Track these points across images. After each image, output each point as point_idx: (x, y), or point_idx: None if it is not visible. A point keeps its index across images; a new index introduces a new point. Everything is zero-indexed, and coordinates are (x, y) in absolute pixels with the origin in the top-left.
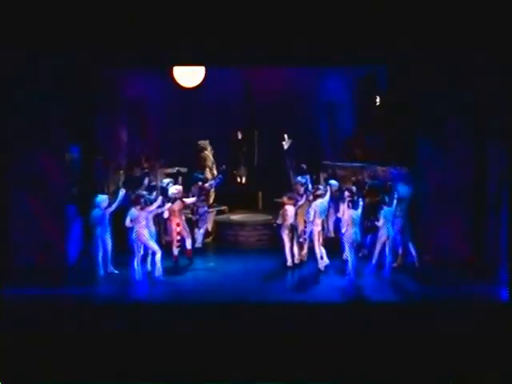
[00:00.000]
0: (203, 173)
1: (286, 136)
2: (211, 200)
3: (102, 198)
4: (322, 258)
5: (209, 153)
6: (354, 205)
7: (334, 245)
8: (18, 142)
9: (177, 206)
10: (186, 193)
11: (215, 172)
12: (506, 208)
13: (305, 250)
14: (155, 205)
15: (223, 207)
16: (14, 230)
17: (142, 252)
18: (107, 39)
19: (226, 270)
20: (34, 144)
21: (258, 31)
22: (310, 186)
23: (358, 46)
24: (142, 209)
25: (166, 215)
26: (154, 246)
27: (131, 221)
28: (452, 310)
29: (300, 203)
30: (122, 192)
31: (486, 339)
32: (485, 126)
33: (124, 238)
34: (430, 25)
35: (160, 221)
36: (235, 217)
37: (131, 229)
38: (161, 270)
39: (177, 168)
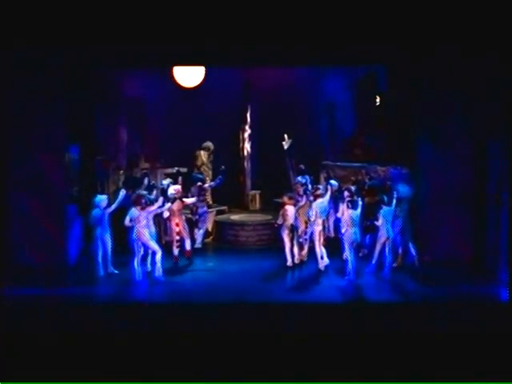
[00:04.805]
0: (203, 173)
1: (285, 136)
2: (210, 201)
3: (102, 198)
4: (322, 257)
5: (204, 153)
6: (353, 205)
7: (334, 245)
8: (18, 142)
9: (176, 205)
10: (186, 193)
11: (208, 173)
12: (506, 208)
13: (305, 250)
14: (156, 205)
15: (223, 207)
16: (13, 230)
17: (142, 252)
18: (107, 39)
19: (226, 270)
20: (34, 144)
21: (257, 31)
22: (309, 187)
23: (358, 46)
24: (142, 209)
25: (165, 215)
26: (154, 245)
27: (131, 220)
28: (452, 310)
29: (301, 204)
30: (123, 192)
31: (486, 339)
32: (485, 126)
33: (124, 237)
34: (429, 25)
35: (160, 221)
36: (235, 217)
37: (131, 229)
38: (161, 270)
39: (177, 168)
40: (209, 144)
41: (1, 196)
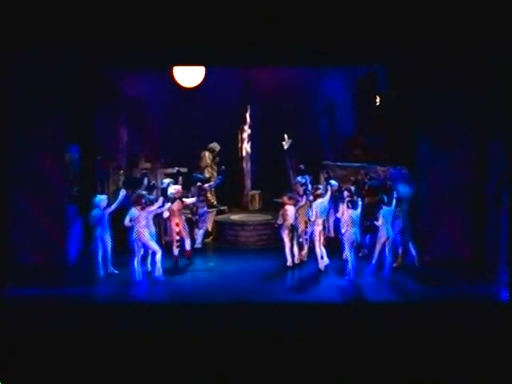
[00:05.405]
0: (203, 173)
1: (285, 136)
2: (214, 201)
3: (101, 198)
4: (322, 257)
5: (208, 154)
6: (353, 205)
7: (334, 245)
8: (18, 142)
9: (176, 205)
10: (186, 193)
11: (212, 174)
12: (505, 208)
13: (305, 250)
14: (156, 205)
15: (223, 207)
16: (13, 230)
17: (142, 252)
18: (107, 39)
19: (226, 270)
20: (33, 144)
21: (258, 31)
22: (309, 187)
23: (358, 46)
24: (142, 209)
25: (165, 215)
26: (154, 245)
27: (131, 220)
28: (452, 309)
29: (301, 204)
30: (123, 192)
31: (486, 339)
32: (485, 126)
33: (124, 237)
34: (429, 24)
35: (160, 221)
36: (235, 217)
37: (131, 229)
38: (161, 269)
39: (177, 168)
40: (214, 145)
41: (1, 196)
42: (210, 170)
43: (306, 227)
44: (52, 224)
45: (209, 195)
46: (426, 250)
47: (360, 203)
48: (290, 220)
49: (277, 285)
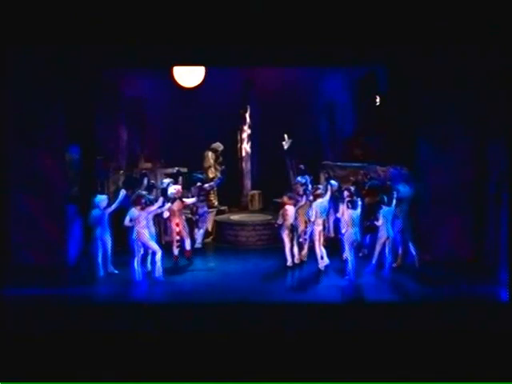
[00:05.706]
0: (203, 173)
1: (286, 136)
2: (216, 202)
3: (101, 198)
4: (322, 257)
5: (212, 154)
6: (353, 205)
7: (334, 245)
8: (18, 142)
9: (176, 205)
10: (186, 193)
11: (215, 174)
12: (506, 208)
13: (305, 250)
14: (156, 205)
15: (223, 207)
16: (14, 230)
17: (142, 252)
18: (107, 39)
19: (226, 270)
20: (34, 144)
21: (258, 31)
22: (309, 187)
23: (358, 46)
24: (142, 209)
25: (165, 215)
26: (154, 245)
27: (131, 220)
28: (452, 309)
29: (300, 204)
30: (123, 193)
31: (485, 339)
32: (485, 125)
33: (124, 237)
34: (429, 24)
35: (160, 221)
36: (235, 217)
37: (131, 229)
38: (161, 269)
39: (177, 168)
40: (217, 145)
41: (1, 196)
42: (213, 170)
43: (306, 227)
44: (52, 224)
45: (211, 196)
46: (426, 250)
47: (360, 203)
48: (290, 220)
49: (277, 285)
